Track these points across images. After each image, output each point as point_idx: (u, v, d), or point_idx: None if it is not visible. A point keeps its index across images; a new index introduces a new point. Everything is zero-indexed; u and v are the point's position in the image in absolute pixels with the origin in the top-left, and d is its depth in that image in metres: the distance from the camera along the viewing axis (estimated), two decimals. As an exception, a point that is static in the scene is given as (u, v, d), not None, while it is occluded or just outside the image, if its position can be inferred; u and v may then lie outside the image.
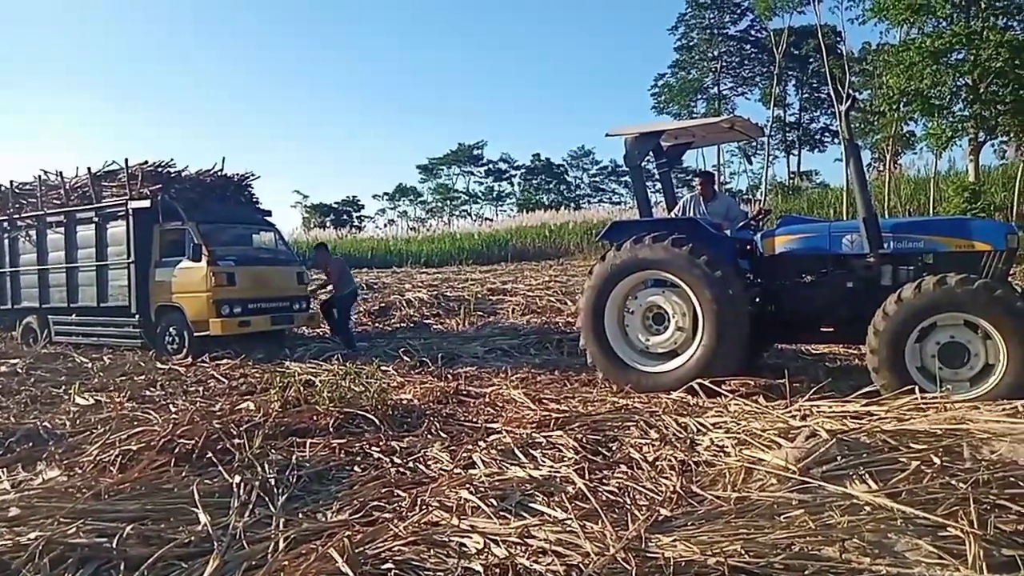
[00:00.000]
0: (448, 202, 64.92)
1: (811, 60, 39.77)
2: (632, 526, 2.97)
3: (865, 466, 3.39)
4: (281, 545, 2.96)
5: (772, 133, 40.73)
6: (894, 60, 21.92)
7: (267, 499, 3.56)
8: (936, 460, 3.36)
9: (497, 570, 2.61)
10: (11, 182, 11.56)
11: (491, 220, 49.54)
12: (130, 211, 9.59)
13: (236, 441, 4.39)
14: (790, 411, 4.64)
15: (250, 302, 9.36)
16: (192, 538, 3.06)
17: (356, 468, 4.15)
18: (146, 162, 9.93)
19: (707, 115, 43.64)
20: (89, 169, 10.41)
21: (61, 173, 10.96)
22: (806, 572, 2.52)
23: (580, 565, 2.62)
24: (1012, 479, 3.17)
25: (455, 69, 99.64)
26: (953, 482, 3.15)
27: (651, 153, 7.15)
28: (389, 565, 2.70)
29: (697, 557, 2.62)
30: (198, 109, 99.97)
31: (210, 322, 9.02)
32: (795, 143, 48.20)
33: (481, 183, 65.05)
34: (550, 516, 3.16)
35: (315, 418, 5.13)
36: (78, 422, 5.45)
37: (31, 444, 4.73)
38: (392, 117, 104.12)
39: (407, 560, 2.74)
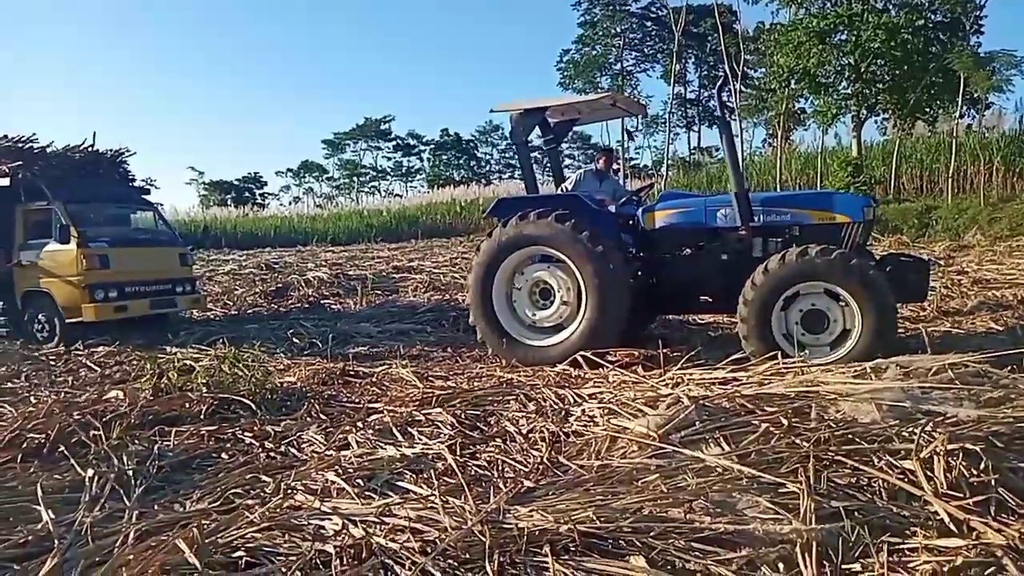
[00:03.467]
0: (355, 178, 63.50)
1: (709, 38, 41.00)
2: (494, 499, 3.00)
3: (721, 430, 3.55)
4: (131, 539, 2.83)
5: (673, 110, 41.87)
6: (783, 39, 22.87)
7: (122, 492, 3.39)
8: (784, 422, 3.55)
9: (352, 550, 2.59)
10: None
11: (401, 196, 48.90)
12: (-11, 189, 8.85)
13: (94, 433, 4.15)
14: (663, 380, 4.80)
15: (127, 285, 8.85)
16: (31, 537, 2.88)
17: (224, 455, 4.02)
18: (4, 137, 9.17)
19: (611, 90, 44.43)
20: (-60, 143, 9.51)
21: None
22: (652, 533, 2.62)
23: (436, 540, 2.63)
24: (850, 436, 3.39)
25: (359, 43, 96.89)
26: (798, 441, 3.34)
27: (538, 129, 7.20)
28: (240, 553, 2.63)
29: (550, 526, 2.67)
30: (72, 83, 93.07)
31: (82, 308, 8.47)
32: (695, 119, 49.79)
33: (389, 159, 64.02)
34: (415, 494, 3.17)
35: (188, 405, 4.93)
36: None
37: None
38: (295, 91, 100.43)
39: (259, 546, 2.67)
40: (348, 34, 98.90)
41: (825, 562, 2.41)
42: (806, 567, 2.36)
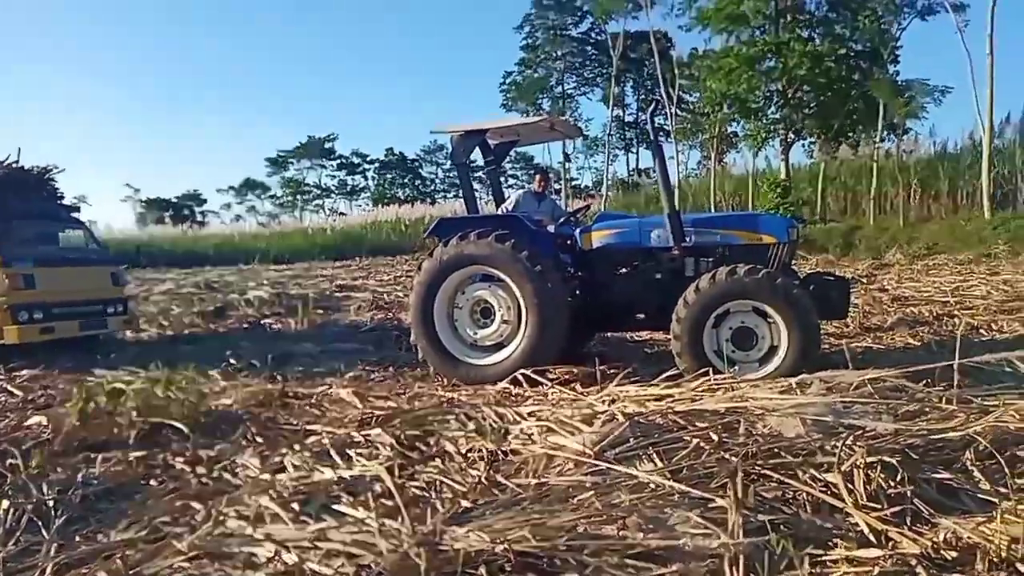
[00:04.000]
0: (299, 196, 62.55)
1: (647, 63, 42.11)
2: (431, 520, 3.01)
3: (654, 446, 3.64)
4: (48, 574, 2.73)
5: (612, 132, 42.72)
6: (715, 65, 23.74)
7: (40, 524, 3.25)
8: (715, 437, 3.67)
9: (284, 578, 2.56)
10: None
11: (345, 215, 48.38)
12: (-101, 206, 8.40)
13: (11, 462, 3.98)
14: (600, 396, 4.89)
15: (54, 306, 8.50)
16: (-62, 576, 2.75)
17: (153, 482, 3.91)
18: (-80, 151, 8.75)
19: (552, 113, 45.12)
20: None
21: None
22: (586, 551, 2.66)
23: (372, 564, 2.63)
24: (777, 451, 3.53)
25: (303, 61, 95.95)
26: (727, 456, 3.46)
27: (479, 150, 7.29)
28: (167, 584, 2.57)
29: (487, 546, 2.69)
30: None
31: (4, 330, 8.10)
32: (633, 141, 50.93)
33: (334, 177, 63.30)
34: (351, 517, 3.13)
35: (116, 431, 4.77)
36: None
37: None
38: (237, 108, 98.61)
39: (189, 576, 2.62)
40: (292, 51, 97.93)
41: (751, 575, 2.50)
42: (733, 580, 2.45)
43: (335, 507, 3.30)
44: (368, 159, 62.71)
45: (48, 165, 9.97)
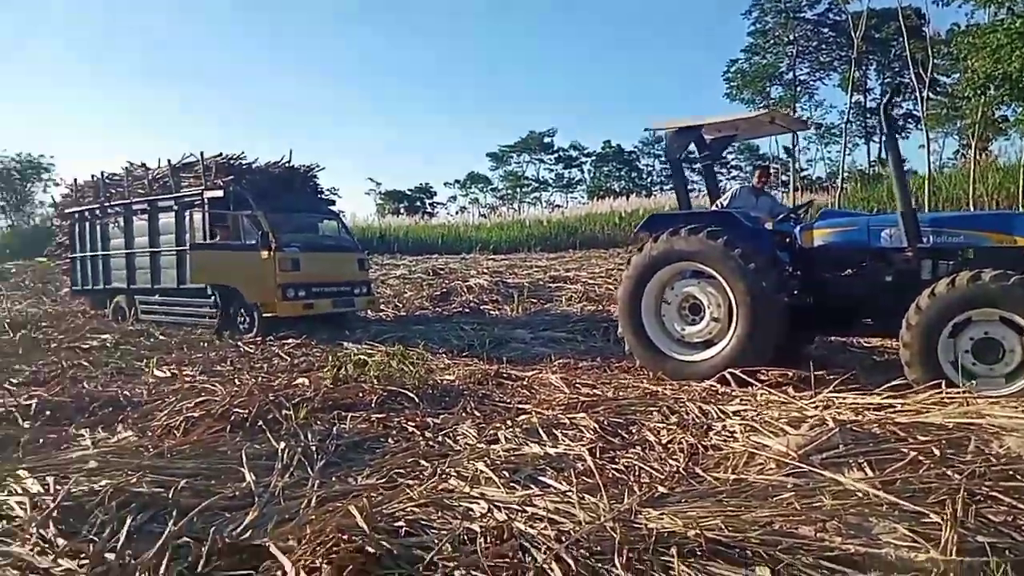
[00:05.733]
0: (518, 189, 65.26)
1: (893, 43, 38.05)
2: (628, 500, 3.20)
3: (866, 455, 3.50)
4: (313, 503, 3.33)
5: (851, 119, 39.22)
6: (980, 43, 20.86)
7: (306, 464, 3.95)
8: (937, 452, 3.44)
9: (495, 531, 2.89)
10: (102, 173, 12.55)
11: (561, 207, 49.58)
12: (205, 200, 10.29)
13: (286, 412, 4.83)
14: (813, 401, 4.73)
15: (313, 286, 9.94)
16: (236, 493, 3.48)
17: (390, 440, 4.52)
18: (220, 154, 10.63)
19: (782, 102, 42.47)
20: (169, 161, 11.24)
21: (144, 165, 11.87)
22: (779, 547, 2.69)
23: (571, 531, 2.87)
24: (1011, 472, 3.23)
25: (526, 57, 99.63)
26: (949, 473, 3.24)
27: (695, 146, 7.26)
28: (401, 523, 3.02)
29: (679, 529, 2.82)
30: (277, 102, 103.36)
31: (276, 305, 9.63)
32: (876, 129, 46.26)
33: (551, 170, 65.14)
34: (554, 488, 3.43)
35: (361, 395, 5.53)
36: (153, 392, 6.01)
37: (111, 409, 5.29)
38: (464, 106, 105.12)
39: (417, 520, 3.05)
40: (514, 51, 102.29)
41: (961, 595, 2.38)
42: (939, 597, 2.35)
43: (540, 478, 3.61)
44: (585, 152, 63.66)
45: (312, 164, 11.62)
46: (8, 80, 80.00)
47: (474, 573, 2.54)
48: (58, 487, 3.31)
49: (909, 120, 43.28)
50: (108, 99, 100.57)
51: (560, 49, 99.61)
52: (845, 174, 34.91)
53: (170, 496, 3.33)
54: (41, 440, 4.39)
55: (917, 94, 27.11)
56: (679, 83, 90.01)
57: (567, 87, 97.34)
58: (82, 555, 2.70)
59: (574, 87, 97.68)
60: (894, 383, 4.99)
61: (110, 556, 2.72)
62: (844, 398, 4.75)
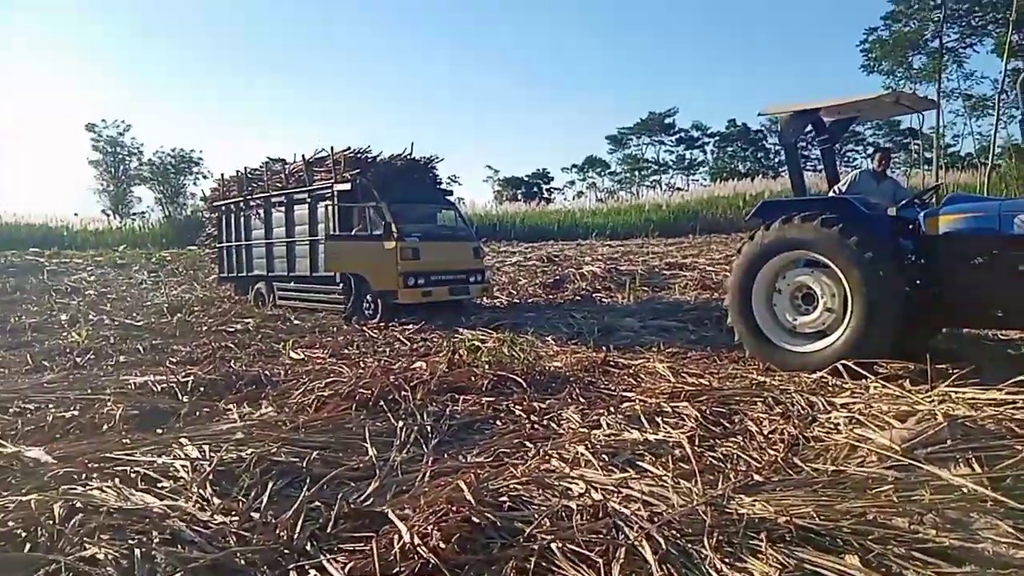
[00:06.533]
0: (637, 173, 64.32)
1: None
2: (722, 486, 3.30)
3: (975, 451, 3.42)
4: (427, 477, 3.67)
5: (1006, 89, 35.67)
6: None
7: (422, 441, 4.32)
8: (1055, 451, 3.30)
9: (591, 509, 3.09)
10: (245, 168, 13.70)
11: (682, 190, 48.47)
12: (335, 192, 11.04)
13: (404, 394, 5.24)
14: (928, 396, 4.58)
15: (432, 274, 10.45)
16: (360, 465, 3.88)
17: (498, 422, 4.81)
18: (348, 148, 11.35)
19: (925, 72, 39.29)
20: (303, 156, 12.11)
21: (283, 160, 12.85)
22: (871, 537, 2.72)
23: (663, 513, 3.03)
24: None
25: (645, 35, 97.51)
26: (1067, 474, 3.12)
27: (814, 129, 7.05)
28: (504, 498, 3.29)
29: (770, 516, 2.91)
30: (403, 96, 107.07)
31: (399, 292, 10.23)
32: (1036, 99, 41.85)
33: (672, 152, 63.74)
34: (651, 473, 3.58)
35: (473, 378, 5.87)
36: (289, 372, 6.63)
37: (255, 387, 5.91)
38: (582, 89, 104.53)
39: (519, 496, 3.31)
40: (639, 28, 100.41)
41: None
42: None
43: (638, 463, 3.78)
44: (708, 132, 61.79)
45: (431, 156, 12.15)
46: (158, 80, 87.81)
47: (569, 546, 2.75)
48: (212, 454, 3.82)
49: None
50: (249, 95, 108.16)
51: (686, 25, 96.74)
52: (998, 150, 31.93)
53: (304, 465, 3.77)
54: (197, 413, 5.01)
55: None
56: (809, 57, 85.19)
57: (693, 63, 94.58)
58: (232, 512, 3.15)
59: (700, 63, 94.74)
60: (1019, 378, 4.72)
61: (255, 515, 3.16)
62: (963, 393, 4.57)
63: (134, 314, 11.80)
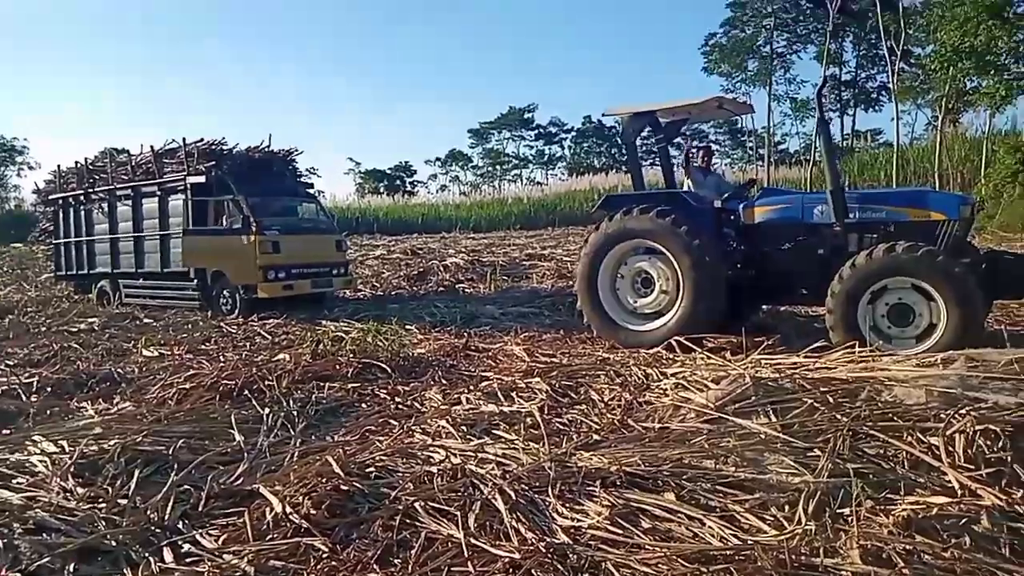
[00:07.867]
0: (498, 167, 65.33)
1: (870, 15, 38.51)
2: (565, 446, 3.74)
3: (773, 405, 4.06)
4: (295, 456, 3.85)
5: (825, 93, 39.67)
6: (948, 15, 21.34)
7: (289, 426, 4.47)
8: (832, 400, 4.00)
9: (449, 472, 3.42)
10: (85, 159, 12.81)
11: (542, 184, 49.87)
12: (188, 185, 10.64)
13: (269, 383, 5.33)
14: (743, 362, 5.28)
15: (293, 268, 10.36)
16: (228, 450, 3.99)
17: (363, 406, 5.04)
18: (201, 140, 10.97)
19: (758, 75, 42.90)
20: (152, 147, 11.54)
21: (127, 151, 12.17)
22: (684, 476, 3.25)
23: (514, 471, 3.41)
24: (890, 415, 3.80)
25: (503, 32, 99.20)
26: (839, 417, 3.80)
27: (651, 129, 7.75)
28: (371, 468, 3.55)
29: (603, 466, 3.37)
30: (247, 84, 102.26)
31: (258, 286, 10.06)
32: (851, 102, 46.95)
33: (531, 147, 65.26)
34: (504, 439, 3.96)
35: (338, 367, 6.03)
36: (145, 369, 6.47)
37: (108, 384, 5.75)
38: (443, 82, 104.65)
39: (385, 466, 3.58)
40: (498, 25, 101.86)
41: (826, 508, 2.93)
42: (804, 510, 2.91)
43: (494, 432, 4.15)
44: (566, 128, 63.82)
45: (291, 148, 11.97)
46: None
47: (431, 504, 3.07)
48: (71, 448, 3.79)
49: (883, 92, 43.95)
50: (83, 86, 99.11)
51: (545, 24, 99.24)
52: (818, 148, 35.47)
53: (170, 453, 3.83)
54: (48, 412, 4.85)
55: (890, 67, 27.64)
56: (657, 59, 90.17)
57: (551, 62, 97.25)
58: (99, 499, 3.20)
59: (558, 62, 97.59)
60: (815, 345, 5.55)
61: (123, 501, 3.22)
62: (771, 359, 5.31)
63: (-44, 318, 10.79)
